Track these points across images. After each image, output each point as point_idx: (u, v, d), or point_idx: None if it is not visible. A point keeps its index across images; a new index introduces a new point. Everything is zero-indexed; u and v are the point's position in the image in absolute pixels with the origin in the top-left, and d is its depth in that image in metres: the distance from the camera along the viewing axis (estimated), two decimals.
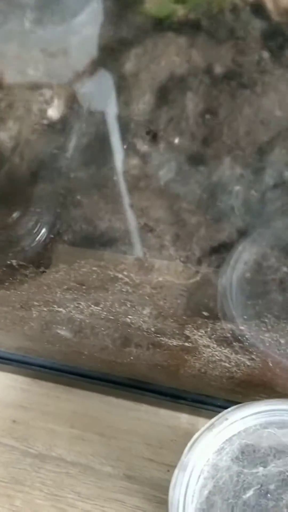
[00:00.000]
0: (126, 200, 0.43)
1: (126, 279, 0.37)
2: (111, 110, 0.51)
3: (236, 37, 0.53)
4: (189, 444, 0.41)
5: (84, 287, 0.39)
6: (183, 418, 0.51)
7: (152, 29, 0.52)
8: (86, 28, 0.48)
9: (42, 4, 0.43)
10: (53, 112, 0.49)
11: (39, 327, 0.47)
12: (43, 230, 0.43)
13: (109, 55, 0.52)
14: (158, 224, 0.42)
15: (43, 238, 0.43)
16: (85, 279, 0.39)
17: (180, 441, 0.51)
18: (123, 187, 0.45)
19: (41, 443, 0.52)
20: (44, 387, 0.55)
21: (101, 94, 0.53)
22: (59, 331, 0.46)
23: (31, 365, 0.53)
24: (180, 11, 0.54)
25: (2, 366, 0.54)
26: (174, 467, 0.50)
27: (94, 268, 0.37)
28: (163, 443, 0.51)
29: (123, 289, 0.38)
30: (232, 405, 0.47)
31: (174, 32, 0.52)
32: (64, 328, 0.46)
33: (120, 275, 0.37)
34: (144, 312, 0.39)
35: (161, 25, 0.53)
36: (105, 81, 0.53)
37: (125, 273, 0.37)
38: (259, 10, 0.55)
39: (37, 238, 0.43)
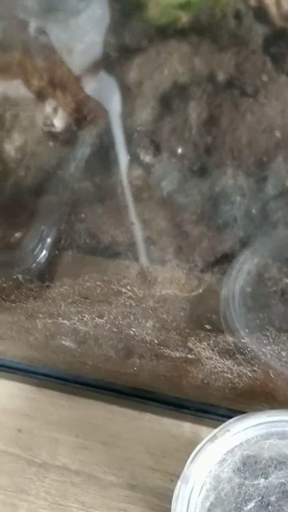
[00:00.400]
0: (129, 212, 0.44)
1: (130, 293, 0.37)
2: (114, 110, 0.51)
3: (239, 44, 0.53)
4: (191, 456, 0.42)
5: (88, 300, 0.40)
6: (186, 427, 0.52)
7: (155, 36, 0.53)
8: (87, 30, 0.49)
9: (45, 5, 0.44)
10: (58, 123, 0.49)
11: (44, 338, 0.48)
12: (47, 245, 0.44)
13: (113, 62, 0.52)
14: (161, 236, 0.43)
15: (47, 254, 0.44)
16: (89, 293, 0.39)
17: (183, 450, 0.51)
18: (126, 198, 0.45)
19: (45, 452, 0.52)
20: (48, 395, 0.55)
21: (103, 95, 0.54)
22: (63, 342, 0.47)
23: (36, 374, 0.54)
24: (183, 17, 0.55)
25: (8, 375, 0.54)
26: (177, 476, 0.50)
27: (98, 283, 0.38)
28: (167, 452, 0.51)
29: (127, 303, 0.38)
30: (235, 414, 0.48)
31: (177, 40, 0.53)
32: (68, 339, 0.47)
33: (123, 289, 0.37)
34: (147, 324, 0.40)
35: (164, 32, 0.54)
36: (107, 82, 0.54)
37: (128, 287, 0.37)
38: (262, 15, 0.56)
39: (42, 255, 0.43)
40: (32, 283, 0.40)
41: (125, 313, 0.40)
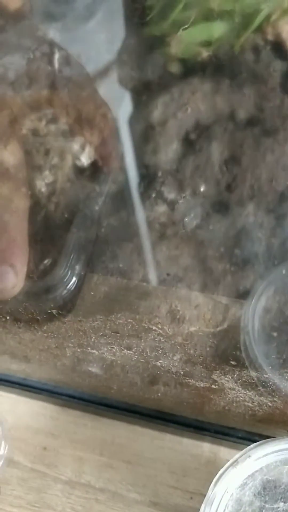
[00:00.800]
0: (156, 248, 0.46)
1: (160, 331, 0.40)
2: (123, 116, 0.54)
3: (257, 81, 0.55)
4: (214, 480, 0.44)
5: (118, 334, 0.42)
6: (206, 447, 0.54)
7: (178, 73, 0.55)
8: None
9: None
10: (84, 159, 0.51)
11: (71, 364, 0.50)
12: (74, 279, 0.46)
13: (138, 99, 0.54)
14: (187, 273, 0.45)
15: (74, 287, 0.46)
16: (120, 329, 0.42)
17: (203, 469, 0.54)
18: (152, 235, 0.48)
19: (70, 470, 0.55)
20: (72, 415, 0.57)
21: (113, 100, 0.56)
22: (90, 368, 0.49)
23: (61, 395, 0.56)
24: (204, 53, 0.57)
25: (34, 394, 0.57)
26: (197, 494, 0.53)
27: (130, 320, 0.40)
28: (187, 471, 0.54)
29: (156, 339, 0.41)
30: (253, 437, 0.50)
31: (199, 78, 0.55)
32: (95, 365, 0.49)
33: (154, 327, 0.40)
34: (174, 358, 0.42)
35: (185, 68, 0.56)
36: (116, 87, 0.56)
37: (159, 326, 0.39)
38: (279, 50, 0.58)
39: (68, 287, 0.46)
40: (65, 317, 0.42)
41: (154, 347, 0.42)
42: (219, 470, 0.45)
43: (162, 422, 0.53)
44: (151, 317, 0.39)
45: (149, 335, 0.40)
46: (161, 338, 0.40)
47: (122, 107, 0.55)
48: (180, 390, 0.46)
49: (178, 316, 0.40)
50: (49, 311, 0.42)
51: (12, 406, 0.59)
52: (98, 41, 0.59)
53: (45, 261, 0.48)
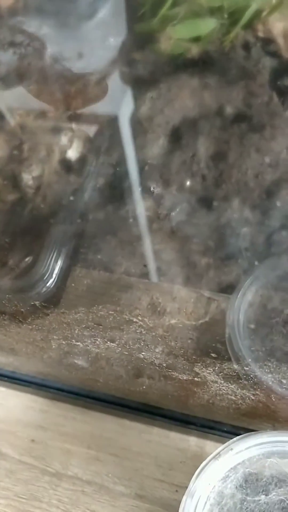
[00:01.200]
0: (141, 243, 0.47)
1: (140, 323, 0.40)
2: (124, 113, 0.54)
3: (247, 77, 0.56)
4: (196, 472, 0.45)
5: (101, 326, 0.43)
6: (192, 441, 0.55)
7: (166, 69, 0.55)
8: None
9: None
10: (73, 153, 0.52)
11: (58, 357, 0.50)
12: (57, 271, 0.47)
13: (127, 93, 0.55)
14: (170, 267, 0.46)
15: (59, 281, 0.46)
16: (102, 321, 0.42)
17: (189, 463, 0.54)
18: (138, 229, 0.48)
19: (58, 462, 0.55)
20: (61, 408, 0.58)
21: (113, 97, 0.56)
22: (76, 361, 0.50)
23: (50, 388, 0.56)
24: (194, 49, 0.58)
25: (22, 387, 0.57)
26: (182, 487, 0.53)
27: (111, 312, 0.41)
28: (173, 465, 0.54)
29: (137, 331, 0.41)
30: (238, 431, 0.50)
31: (188, 74, 0.55)
32: (81, 358, 0.49)
33: (135, 319, 0.40)
34: (156, 350, 0.42)
35: (174, 64, 0.56)
36: (117, 85, 0.56)
37: (139, 318, 0.40)
38: (270, 46, 0.58)
39: (51, 280, 0.46)
40: (49, 309, 0.43)
41: (136, 339, 0.42)
42: None
43: (150, 416, 0.53)
44: (132, 308, 0.40)
45: (131, 327, 0.41)
46: (142, 329, 0.41)
47: (112, 103, 0.56)
48: (164, 383, 0.47)
49: (159, 309, 0.41)
50: (32, 303, 0.43)
51: (2, 400, 0.59)
52: (87, 38, 0.60)
53: (27, 259, 0.49)
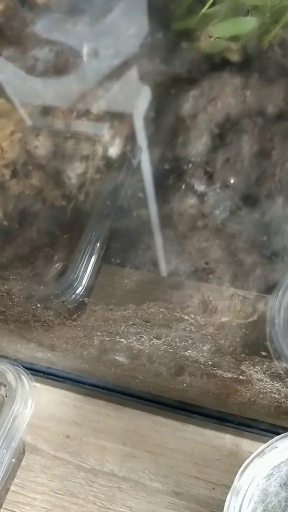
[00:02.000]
0: (187, 240, 0.47)
1: (192, 321, 0.40)
2: (138, 112, 0.54)
3: (286, 75, 0.56)
4: (240, 469, 0.45)
5: (149, 324, 0.43)
6: (228, 439, 0.55)
7: (207, 68, 0.55)
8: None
9: None
10: (114, 150, 0.52)
11: (98, 353, 0.51)
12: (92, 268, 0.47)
13: (166, 91, 0.55)
14: (218, 265, 0.46)
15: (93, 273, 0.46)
16: (151, 318, 0.42)
17: (225, 461, 0.54)
18: (182, 227, 0.48)
19: (93, 458, 0.55)
20: (95, 404, 0.58)
21: (128, 96, 0.56)
22: (116, 357, 0.50)
23: (84, 384, 0.57)
24: (233, 47, 0.58)
25: (57, 383, 0.57)
26: (219, 485, 0.53)
27: (162, 309, 0.41)
28: (209, 462, 0.54)
29: (187, 329, 0.41)
30: (277, 429, 0.51)
31: (229, 73, 0.55)
32: (122, 355, 0.50)
33: (186, 317, 0.40)
34: (204, 348, 0.43)
35: (213, 62, 0.56)
36: (132, 83, 0.56)
37: (191, 315, 0.40)
38: None
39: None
40: (97, 305, 0.43)
41: (183, 337, 0.42)
42: (242, 461, 0.45)
43: (185, 413, 0.54)
44: (184, 306, 0.40)
45: (180, 324, 0.41)
46: (192, 327, 0.41)
47: (151, 100, 0.56)
48: (206, 381, 0.47)
49: (210, 307, 0.41)
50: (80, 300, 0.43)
51: (36, 395, 0.59)
52: (123, 35, 0.60)
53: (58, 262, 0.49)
